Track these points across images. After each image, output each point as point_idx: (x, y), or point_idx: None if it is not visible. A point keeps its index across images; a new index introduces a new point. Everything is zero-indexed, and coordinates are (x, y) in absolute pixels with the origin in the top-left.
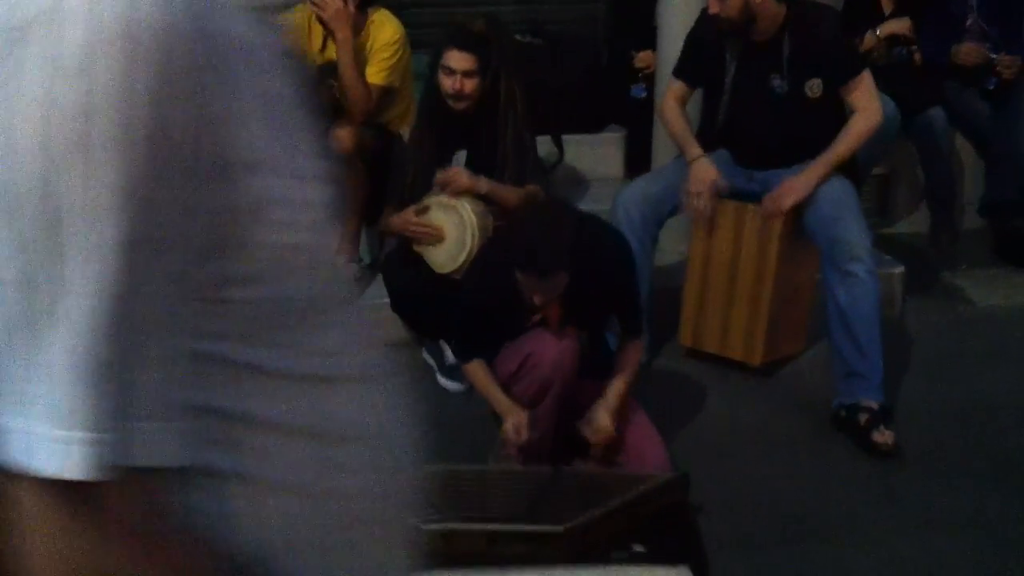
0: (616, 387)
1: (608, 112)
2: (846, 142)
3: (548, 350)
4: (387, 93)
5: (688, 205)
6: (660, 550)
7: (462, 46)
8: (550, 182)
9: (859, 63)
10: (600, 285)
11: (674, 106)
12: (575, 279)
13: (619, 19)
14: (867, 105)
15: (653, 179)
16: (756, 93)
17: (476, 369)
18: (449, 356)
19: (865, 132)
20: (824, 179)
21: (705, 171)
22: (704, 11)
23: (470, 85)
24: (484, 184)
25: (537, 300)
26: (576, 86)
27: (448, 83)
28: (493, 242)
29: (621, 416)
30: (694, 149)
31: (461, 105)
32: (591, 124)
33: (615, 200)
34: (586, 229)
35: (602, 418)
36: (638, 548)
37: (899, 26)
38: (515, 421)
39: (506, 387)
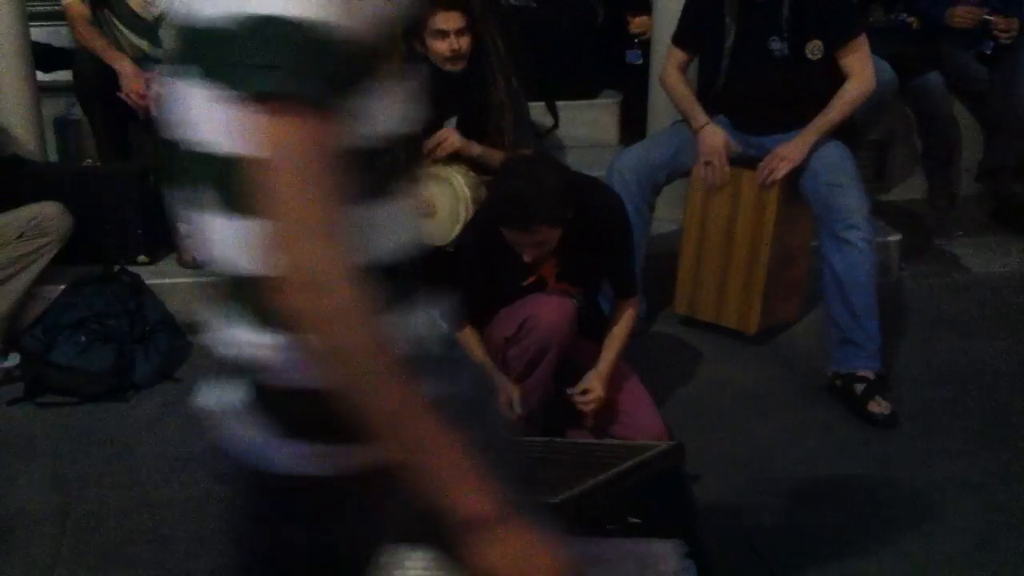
0: (608, 354)
1: (603, 76)
2: (839, 108)
3: (546, 313)
4: None
5: (701, 173)
6: (655, 521)
7: (447, 5)
8: (543, 146)
9: (857, 25)
10: (594, 244)
11: (676, 74)
12: (569, 236)
13: None
14: (861, 71)
15: (649, 145)
16: (755, 56)
17: (468, 336)
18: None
19: (858, 98)
20: (816, 145)
21: (714, 137)
22: None
23: (464, 42)
24: (476, 147)
25: (527, 257)
26: (571, 50)
27: (444, 46)
28: (485, 204)
29: (612, 382)
30: (700, 116)
31: (458, 66)
32: (586, 89)
33: (611, 166)
34: (580, 186)
35: (593, 386)
36: (633, 520)
37: None
38: (504, 398)
39: (503, 350)
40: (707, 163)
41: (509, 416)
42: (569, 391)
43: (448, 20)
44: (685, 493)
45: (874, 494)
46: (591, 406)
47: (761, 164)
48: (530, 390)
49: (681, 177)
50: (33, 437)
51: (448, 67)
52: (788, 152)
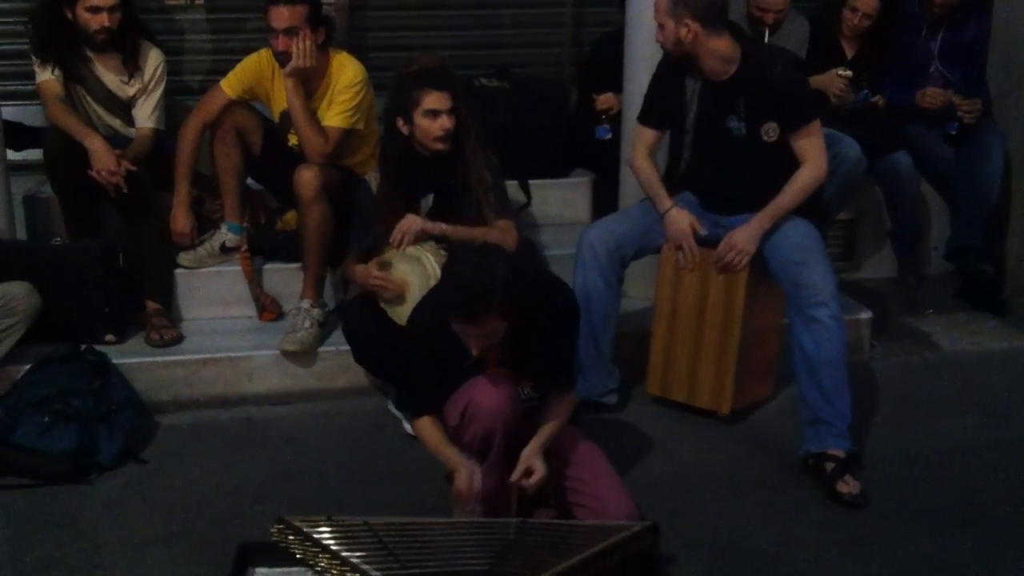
0: (542, 432)
1: (575, 156)
2: (790, 195)
3: (487, 397)
4: (351, 135)
5: (673, 257)
6: None
7: (438, 86)
8: (520, 221)
9: (812, 110)
10: (538, 336)
11: (643, 156)
12: (516, 325)
13: (593, 63)
14: (814, 156)
15: (618, 219)
16: (715, 134)
17: (425, 425)
18: None
19: (810, 185)
20: (781, 224)
21: (680, 221)
22: (666, 52)
23: (452, 122)
24: (441, 226)
25: (473, 348)
26: (543, 130)
27: (436, 125)
28: (432, 289)
29: (582, 463)
30: (665, 201)
31: (446, 145)
32: (558, 168)
33: (580, 239)
34: (529, 278)
35: (533, 464)
36: None
37: (830, 83)
38: (466, 474)
39: (453, 440)
40: (677, 247)
41: (468, 495)
42: (512, 478)
43: (439, 100)
44: (659, 573)
45: (848, 575)
46: (536, 486)
47: (717, 252)
48: (484, 476)
49: (651, 254)
50: None
51: (437, 146)
52: (741, 243)
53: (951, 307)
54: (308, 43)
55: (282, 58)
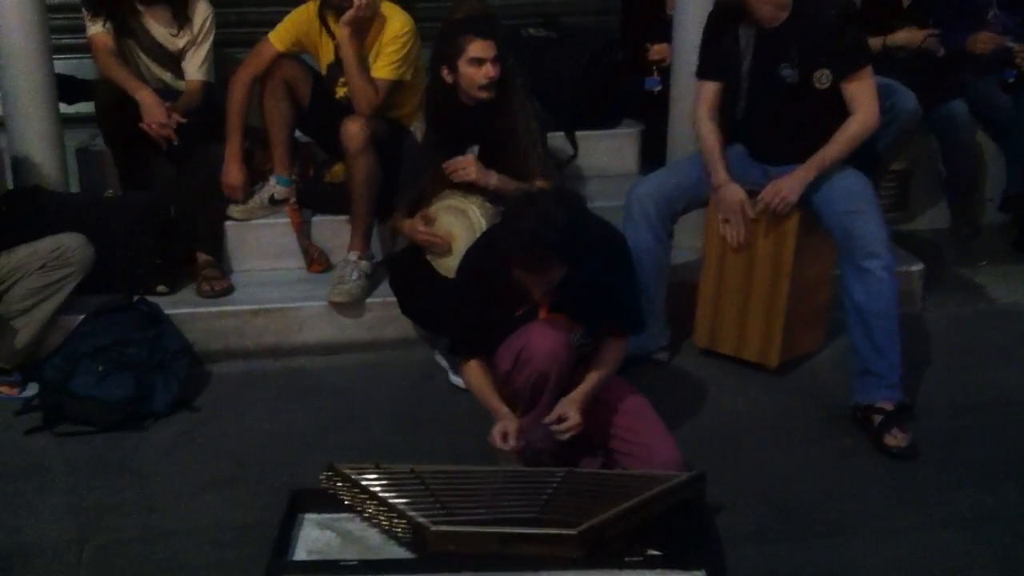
0: (588, 381)
1: (623, 106)
2: (838, 145)
3: (541, 342)
4: (398, 87)
5: (721, 231)
6: (676, 552)
7: (483, 33)
8: (563, 176)
9: (864, 57)
10: (592, 281)
11: (707, 117)
12: (568, 271)
13: (629, 11)
14: (865, 104)
15: (667, 174)
16: (768, 83)
17: (472, 368)
18: None
19: (859, 135)
20: (832, 173)
21: (732, 195)
22: (717, 3)
23: (498, 71)
24: (494, 179)
25: (536, 293)
26: (591, 80)
27: (481, 74)
28: (486, 234)
29: (629, 413)
30: (721, 173)
31: (491, 93)
32: (606, 119)
33: (629, 195)
34: (584, 224)
35: (569, 413)
36: (653, 552)
37: (910, 36)
38: (502, 428)
39: (504, 385)
40: (726, 221)
41: (503, 448)
42: (546, 419)
43: (484, 48)
44: (708, 524)
45: (897, 525)
46: (567, 434)
47: (760, 196)
48: (533, 422)
49: (700, 207)
50: (51, 466)
51: (482, 95)
52: (786, 190)
53: (1006, 258)
54: None
55: (347, 4)
